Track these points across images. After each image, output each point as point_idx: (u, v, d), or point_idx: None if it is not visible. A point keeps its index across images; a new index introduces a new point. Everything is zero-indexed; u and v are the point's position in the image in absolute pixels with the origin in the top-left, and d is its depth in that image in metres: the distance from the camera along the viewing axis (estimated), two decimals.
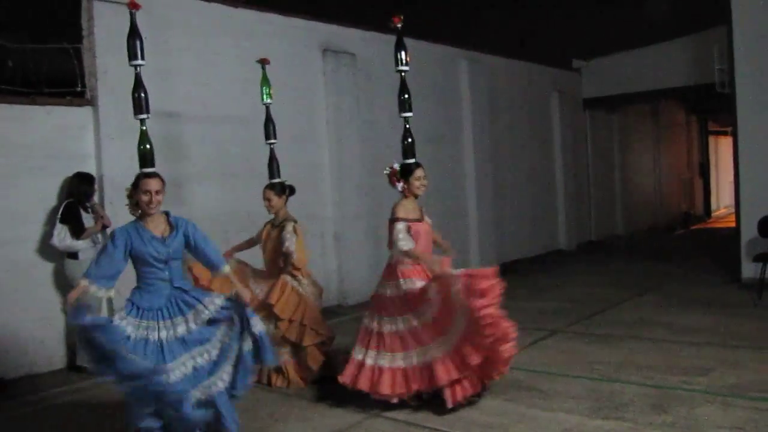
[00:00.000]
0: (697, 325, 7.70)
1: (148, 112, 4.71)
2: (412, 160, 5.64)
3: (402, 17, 5.68)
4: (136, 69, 4.69)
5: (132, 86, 4.73)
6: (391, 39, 11.07)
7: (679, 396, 5.36)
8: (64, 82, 7.52)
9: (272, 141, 6.71)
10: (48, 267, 7.12)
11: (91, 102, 7.48)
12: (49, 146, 7.13)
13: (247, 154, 8.90)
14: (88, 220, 6.97)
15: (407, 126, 5.79)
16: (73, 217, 6.82)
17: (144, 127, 4.67)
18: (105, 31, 7.40)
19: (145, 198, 4.43)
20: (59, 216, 6.85)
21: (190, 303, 4.48)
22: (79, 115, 7.44)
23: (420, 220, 5.59)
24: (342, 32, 10.28)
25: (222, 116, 8.69)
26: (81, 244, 6.82)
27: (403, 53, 5.73)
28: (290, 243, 6.07)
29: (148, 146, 4.62)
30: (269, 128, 6.71)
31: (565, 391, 5.63)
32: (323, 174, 9.96)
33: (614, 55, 16.17)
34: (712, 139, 24.78)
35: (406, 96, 5.81)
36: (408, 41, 11.66)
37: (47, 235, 6.94)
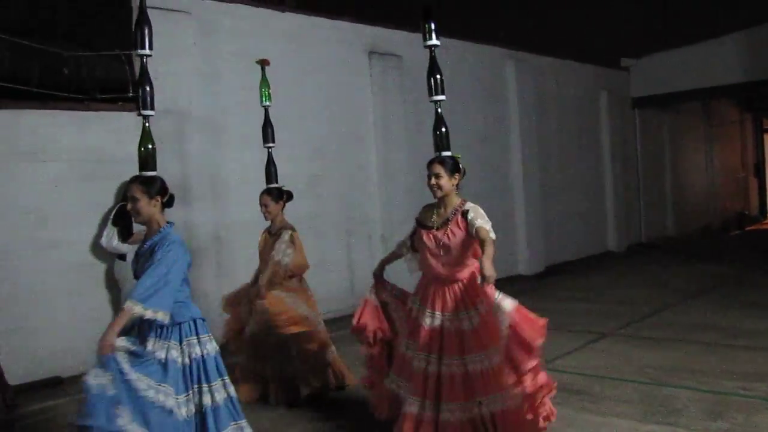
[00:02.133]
0: (753, 329, 7.51)
1: (152, 108, 4.24)
2: (447, 153, 4.66)
3: None
4: (142, 59, 4.27)
5: (141, 80, 4.25)
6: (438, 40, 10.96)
7: (735, 402, 5.22)
8: (115, 88, 7.68)
9: (270, 145, 6.36)
10: (100, 268, 7.29)
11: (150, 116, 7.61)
12: (101, 151, 7.28)
13: (296, 157, 8.98)
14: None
15: (439, 111, 4.78)
16: (122, 220, 6.96)
17: (147, 125, 4.21)
18: (155, 39, 7.50)
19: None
20: (111, 217, 7.00)
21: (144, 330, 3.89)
22: (130, 120, 7.58)
23: (429, 227, 4.57)
24: (388, 35, 10.30)
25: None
26: (126, 247, 6.95)
27: (432, 25, 4.77)
28: (282, 255, 5.74)
29: (150, 147, 4.14)
30: (267, 131, 6.38)
31: (616, 395, 5.54)
32: (370, 176, 9.98)
33: (664, 52, 15.88)
34: (767, 138, 24.19)
35: (438, 76, 4.82)
36: (454, 42, 11.66)
37: (99, 236, 7.11)
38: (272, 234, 5.99)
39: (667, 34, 15.24)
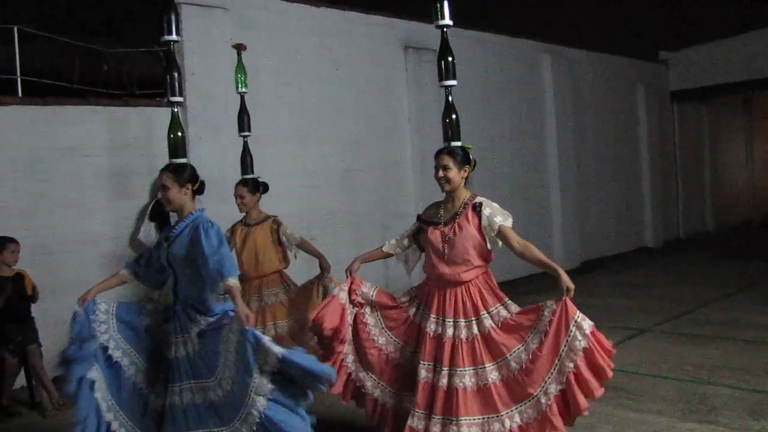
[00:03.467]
0: None
1: (181, 95, 4.30)
2: (457, 143, 4.39)
3: None
4: (170, 46, 4.27)
5: (169, 67, 4.29)
6: (474, 35, 10.98)
7: None
8: (153, 84, 7.79)
9: (246, 134, 6.09)
10: None
11: (180, 103, 7.71)
12: (140, 146, 7.37)
13: (332, 151, 9.02)
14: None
15: (450, 99, 4.53)
16: (159, 215, 7.04)
17: (176, 112, 4.26)
18: (192, 34, 7.60)
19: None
20: (148, 213, 7.09)
21: (192, 318, 3.90)
22: (168, 116, 7.67)
23: (436, 223, 4.26)
24: (423, 29, 10.25)
25: (305, 114, 8.81)
26: None
27: (445, 4, 4.45)
28: (295, 232, 5.77)
29: (179, 134, 4.20)
30: (243, 120, 6.08)
31: (654, 392, 5.48)
32: (406, 170, 9.98)
33: (703, 44, 15.62)
34: None
35: (450, 59, 4.50)
36: (489, 36, 11.55)
37: (137, 231, 7.20)
38: (250, 225, 5.81)
39: (706, 26, 14.97)
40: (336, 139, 9.10)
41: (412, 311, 4.34)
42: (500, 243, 4.12)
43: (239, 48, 6.08)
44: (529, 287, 10.54)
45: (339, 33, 9.23)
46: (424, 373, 4.12)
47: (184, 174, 3.98)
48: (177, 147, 4.14)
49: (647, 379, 5.85)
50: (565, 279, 3.85)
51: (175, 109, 4.24)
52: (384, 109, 9.74)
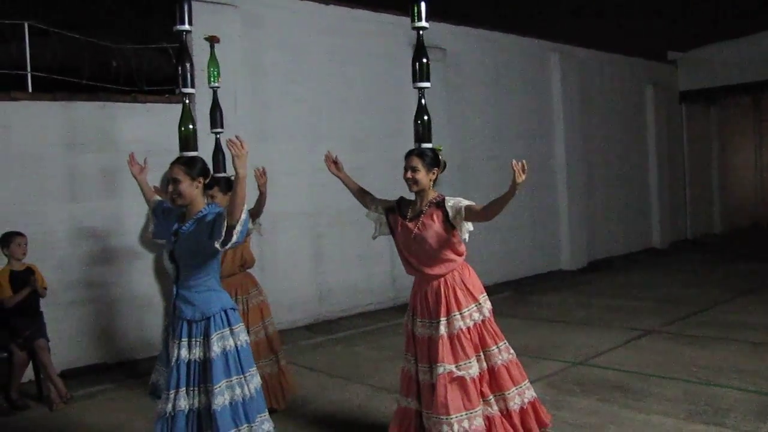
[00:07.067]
0: None
1: (193, 86, 4.13)
2: (428, 145, 4.42)
3: None
4: (182, 36, 4.15)
5: (180, 57, 4.18)
6: (482, 34, 10.96)
7: None
8: (162, 80, 7.80)
9: (218, 130, 5.67)
10: (148, 257, 7.42)
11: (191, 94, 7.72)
12: (149, 142, 7.38)
13: (339, 149, 8.99)
14: None
15: (422, 101, 4.53)
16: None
17: (187, 104, 4.12)
18: (202, 31, 7.60)
19: (168, 187, 3.83)
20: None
21: (193, 320, 3.74)
22: (177, 112, 7.66)
23: (404, 216, 4.38)
24: (432, 27, 10.09)
25: (313, 112, 8.83)
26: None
27: (422, 6, 4.50)
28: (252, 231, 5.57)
29: (190, 126, 4.03)
30: (216, 115, 5.67)
31: (660, 393, 5.46)
32: None
33: (713, 45, 15.57)
34: None
35: (424, 61, 4.52)
36: (498, 35, 11.53)
37: (147, 227, 7.23)
38: None
39: (716, 27, 14.94)
40: (343, 136, 9.10)
41: (409, 323, 4.32)
42: (469, 227, 4.18)
43: (212, 40, 5.79)
44: (533, 287, 10.54)
45: (347, 31, 9.24)
46: (422, 375, 4.15)
47: (195, 167, 3.84)
48: (188, 140, 4.01)
49: (653, 380, 5.82)
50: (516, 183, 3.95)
51: (187, 101, 4.15)
52: (392, 108, 9.74)
